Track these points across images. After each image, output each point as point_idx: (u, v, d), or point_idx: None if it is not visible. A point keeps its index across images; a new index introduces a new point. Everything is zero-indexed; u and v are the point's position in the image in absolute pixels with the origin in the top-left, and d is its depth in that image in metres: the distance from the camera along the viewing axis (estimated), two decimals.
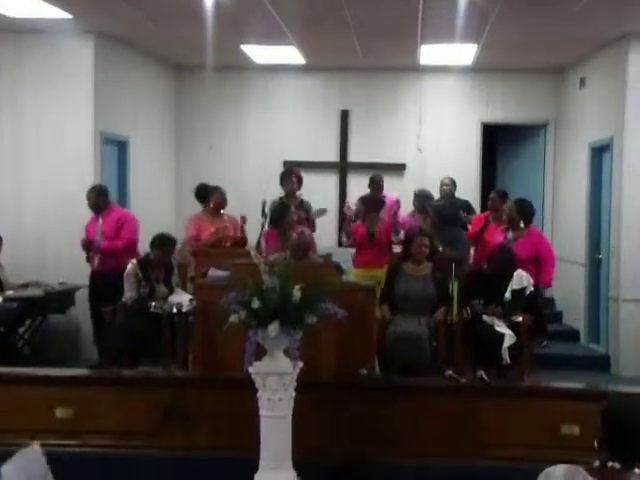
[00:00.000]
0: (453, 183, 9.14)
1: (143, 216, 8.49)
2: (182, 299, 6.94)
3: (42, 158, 8.89)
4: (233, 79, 10.95)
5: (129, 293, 7.08)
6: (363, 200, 8.44)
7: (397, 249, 7.78)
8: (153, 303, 6.95)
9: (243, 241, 8.30)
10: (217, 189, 8.51)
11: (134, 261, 7.20)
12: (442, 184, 9.15)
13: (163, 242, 7.29)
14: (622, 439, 2.88)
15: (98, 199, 8.05)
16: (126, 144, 9.76)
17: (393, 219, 8.37)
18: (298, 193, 8.56)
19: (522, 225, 7.60)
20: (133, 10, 7.79)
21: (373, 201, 8.30)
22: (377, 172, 9.29)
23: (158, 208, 10.13)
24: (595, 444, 2.95)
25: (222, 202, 8.46)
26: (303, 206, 8.38)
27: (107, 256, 7.87)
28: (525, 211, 7.67)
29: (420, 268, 6.96)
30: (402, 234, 7.84)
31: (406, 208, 9.02)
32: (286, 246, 7.25)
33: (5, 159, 8.94)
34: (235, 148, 11.07)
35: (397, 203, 9.04)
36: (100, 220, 7.99)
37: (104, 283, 7.67)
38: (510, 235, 7.67)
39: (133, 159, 9.85)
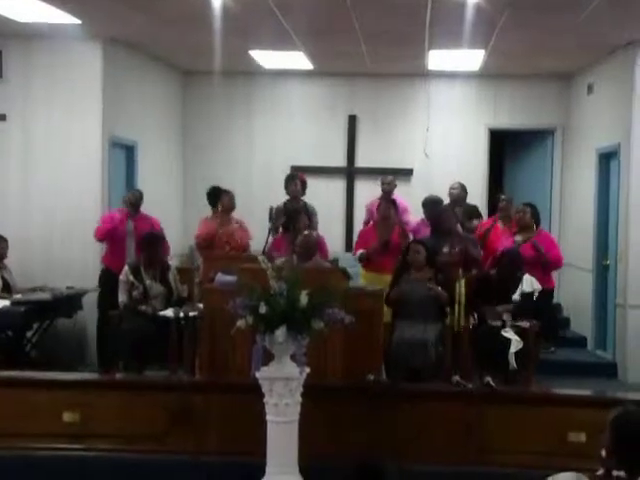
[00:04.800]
0: (462, 187, 9.12)
1: None
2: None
3: (50, 162, 8.90)
4: (241, 84, 10.97)
5: (120, 298, 7.17)
6: (379, 204, 8.33)
7: None
8: (143, 307, 7.02)
9: (244, 248, 8.40)
10: (227, 192, 8.65)
11: (126, 266, 7.31)
12: (451, 188, 9.14)
13: (148, 242, 7.40)
14: (633, 449, 2.84)
15: (140, 202, 8.38)
16: (134, 148, 9.78)
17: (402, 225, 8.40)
18: (303, 198, 8.59)
19: (534, 228, 8.01)
20: (141, 15, 7.81)
21: (385, 205, 8.19)
22: (387, 176, 9.26)
23: (165, 212, 10.12)
24: (602, 452, 2.91)
25: (231, 205, 8.58)
26: (307, 210, 8.39)
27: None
28: (537, 215, 8.11)
29: (422, 273, 6.95)
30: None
31: (414, 213, 8.98)
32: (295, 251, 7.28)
33: (13, 162, 8.95)
34: (243, 153, 11.08)
35: (405, 209, 9.02)
36: (131, 222, 8.19)
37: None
38: (519, 238, 7.77)
39: (141, 163, 9.86)
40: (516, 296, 6.85)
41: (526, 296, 6.87)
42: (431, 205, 8.46)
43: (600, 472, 2.87)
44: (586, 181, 9.86)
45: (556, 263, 8.00)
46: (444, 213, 7.88)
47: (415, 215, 8.94)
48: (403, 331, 6.61)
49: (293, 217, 7.94)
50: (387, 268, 7.40)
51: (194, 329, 6.65)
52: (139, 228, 8.13)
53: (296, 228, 7.71)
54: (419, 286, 6.85)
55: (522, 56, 9.44)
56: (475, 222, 8.69)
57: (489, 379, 5.89)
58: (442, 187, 9.26)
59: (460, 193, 9.03)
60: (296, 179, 8.69)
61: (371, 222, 8.38)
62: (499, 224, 8.53)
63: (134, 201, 8.34)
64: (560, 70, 10.35)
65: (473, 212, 8.88)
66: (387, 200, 8.26)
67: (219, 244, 8.33)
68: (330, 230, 8.33)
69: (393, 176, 9.33)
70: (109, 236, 8.23)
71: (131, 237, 8.18)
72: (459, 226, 8.02)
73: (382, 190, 9.00)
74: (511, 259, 7.06)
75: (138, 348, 6.79)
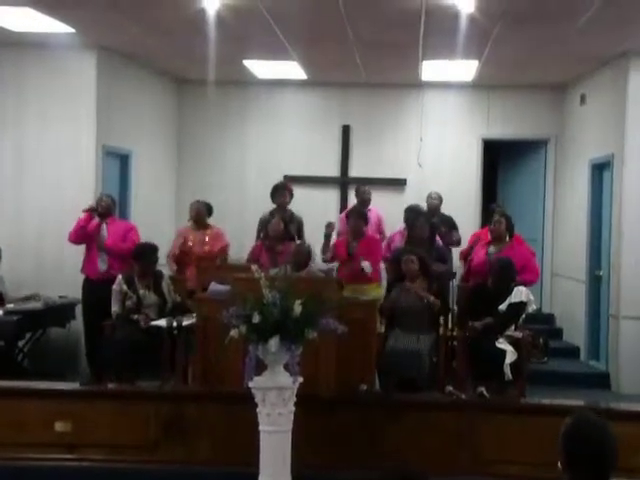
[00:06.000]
0: (440, 198, 9.20)
1: (144, 229, 8.47)
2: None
3: (44, 171, 8.88)
4: (235, 94, 10.97)
5: (113, 308, 7.15)
6: (347, 214, 8.37)
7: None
8: (136, 316, 7.00)
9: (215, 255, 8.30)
10: (196, 202, 8.50)
11: (120, 276, 7.28)
12: (429, 197, 9.18)
13: (141, 253, 7.37)
14: (589, 459, 2.73)
15: (112, 206, 8.18)
16: (128, 158, 9.77)
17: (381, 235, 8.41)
18: (289, 207, 8.57)
19: (507, 239, 7.71)
20: (136, 25, 7.82)
21: (354, 215, 8.17)
22: (363, 185, 9.27)
23: (159, 221, 10.12)
24: (559, 465, 2.79)
25: (196, 214, 8.34)
26: (293, 220, 8.35)
27: (110, 263, 7.92)
28: (512, 225, 7.78)
29: (416, 284, 6.94)
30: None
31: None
32: (274, 260, 7.30)
33: (7, 172, 8.93)
34: (236, 162, 11.08)
35: (379, 219, 9.03)
36: (104, 226, 8.03)
37: (100, 293, 7.50)
38: (493, 249, 7.69)
39: (135, 173, 9.85)
40: (502, 306, 6.85)
41: (513, 306, 6.85)
42: (408, 213, 8.44)
43: None
44: (579, 192, 9.88)
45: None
46: (417, 222, 7.84)
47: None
48: (396, 341, 6.61)
49: (264, 225, 8.00)
50: (355, 278, 7.29)
51: (187, 338, 6.65)
52: (112, 233, 8.02)
53: (265, 235, 7.84)
54: (413, 296, 6.86)
55: (515, 67, 9.47)
56: (455, 233, 8.76)
57: (482, 389, 5.90)
58: None
59: (438, 204, 9.10)
60: (284, 189, 8.66)
61: (342, 236, 8.28)
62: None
63: (102, 210, 8.04)
64: (553, 81, 10.39)
65: (452, 223, 8.88)
66: (357, 214, 8.14)
67: (188, 259, 8.15)
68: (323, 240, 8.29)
69: (369, 186, 9.30)
70: (83, 238, 8.02)
71: (102, 241, 8.00)
72: (438, 236, 8.04)
73: (357, 200, 8.96)
74: (506, 269, 7.03)
75: (131, 358, 6.78)
